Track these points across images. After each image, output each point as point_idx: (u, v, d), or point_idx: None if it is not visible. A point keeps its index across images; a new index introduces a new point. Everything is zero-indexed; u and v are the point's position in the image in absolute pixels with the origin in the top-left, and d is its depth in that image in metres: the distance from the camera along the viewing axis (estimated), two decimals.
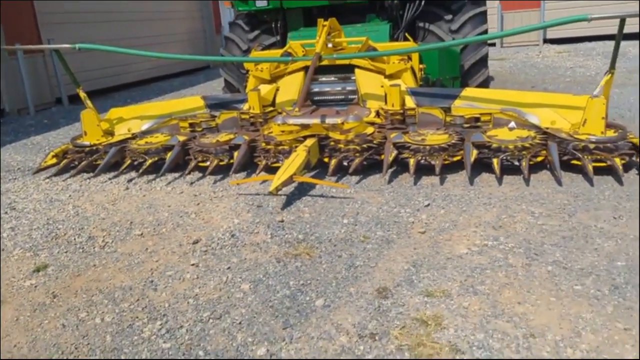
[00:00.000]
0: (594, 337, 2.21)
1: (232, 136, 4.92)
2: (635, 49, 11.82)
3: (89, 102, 5.30)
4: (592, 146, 4.05)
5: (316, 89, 5.36)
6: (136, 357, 2.30)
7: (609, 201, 3.59)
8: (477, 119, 4.67)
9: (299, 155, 4.25)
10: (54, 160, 5.21)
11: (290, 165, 4.10)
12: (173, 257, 3.23)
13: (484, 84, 5.57)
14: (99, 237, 3.59)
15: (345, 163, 4.48)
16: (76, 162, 5.12)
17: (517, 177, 4.13)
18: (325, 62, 5.03)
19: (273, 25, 6.09)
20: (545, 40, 14.73)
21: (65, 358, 2.35)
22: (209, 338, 2.39)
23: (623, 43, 13.20)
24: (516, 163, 4.16)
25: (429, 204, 3.76)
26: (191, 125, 5.30)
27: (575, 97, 4.47)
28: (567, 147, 4.14)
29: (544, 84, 8.58)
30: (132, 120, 5.47)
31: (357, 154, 4.48)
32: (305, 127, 4.69)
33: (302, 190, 4.19)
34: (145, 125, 5.40)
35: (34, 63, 9.25)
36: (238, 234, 3.48)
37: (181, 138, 5.04)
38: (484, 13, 5.62)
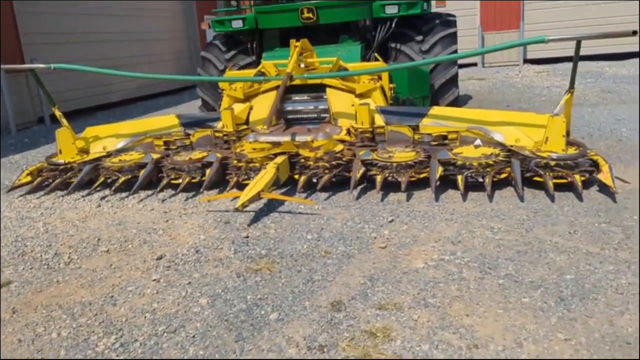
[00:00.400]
0: (534, 347, 2.28)
1: (205, 154, 4.99)
2: (611, 69, 12.09)
3: (64, 121, 5.36)
4: (552, 163, 4.15)
5: (289, 108, 5.46)
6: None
7: (566, 217, 3.68)
8: (444, 137, 4.78)
9: (267, 172, 4.32)
10: (29, 179, 5.24)
11: (258, 182, 4.17)
12: (136, 272, 3.26)
13: (454, 103, 5.69)
14: (65, 254, 3.62)
15: (314, 180, 4.56)
16: (50, 180, 5.16)
17: (481, 193, 4.22)
18: (297, 82, 5.13)
19: (249, 46, 6.21)
20: (526, 61, 15.02)
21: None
22: (162, 352, 2.43)
23: (601, 63, 13.36)
24: (480, 180, 4.26)
25: (392, 220, 3.84)
26: (166, 143, 5.37)
27: (538, 115, 4.59)
28: (529, 164, 4.25)
29: (520, 103, 8.75)
30: (107, 138, 5.53)
31: (326, 171, 4.55)
32: (276, 144, 4.77)
33: (271, 206, 4.25)
34: (120, 144, 5.46)
35: (16, 82, 9.29)
36: (202, 250, 3.52)
37: (155, 156, 5.10)
38: (454, 34, 5.77)
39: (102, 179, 5.02)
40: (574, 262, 3.01)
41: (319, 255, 3.33)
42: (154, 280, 3.13)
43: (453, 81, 5.68)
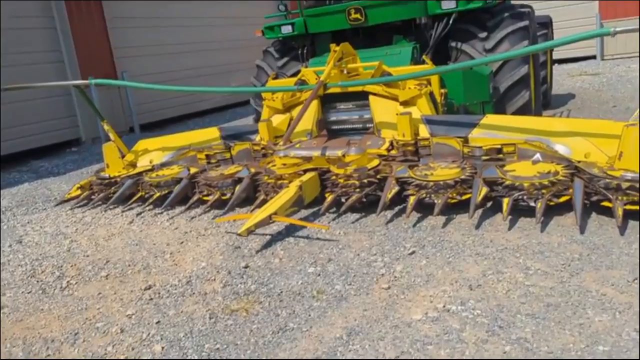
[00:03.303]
0: None
1: (238, 169, 4.75)
2: None
3: (111, 135, 5.42)
4: (625, 185, 3.32)
5: (333, 118, 5.04)
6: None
7: (631, 257, 2.88)
8: (499, 150, 4.07)
9: (286, 193, 3.97)
10: (78, 192, 5.36)
11: (273, 204, 3.82)
12: (116, 305, 3.07)
13: (524, 109, 4.88)
14: (67, 277, 3.54)
15: (343, 200, 4.11)
16: (96, 194, 5.23)
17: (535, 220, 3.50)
18: (336, 90, 4.70)
19: (300, 52, 5.87)
20: None
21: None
22: None
23: None
24: (532, 204, 3.54)
25: (413, 252, 3.29)
26: (207, 156, 5.20)
27: (615, 123, 3.73)
28: (597, 185, 3.45)
29: (629, 103, 7.51)
30: (155, 151, 5.50)
31: (357, 190, 4.09)
32: (307, 159, 4.40)
33: (290, 230, 3.87)
34: (165, 157, 5.40)
35: (109, 94, 9.81)
36: (194, 281, 3.25)
37: (192, 170, 4.96)
38: (526, 28, 4.95)
39: (140, 194, 4.98)
40: (618, 325, 2.29)
41: (310, 295, 2.90)
42: (127, 315, 2.91)
43: (523, 82, 4.86)
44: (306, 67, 5.61)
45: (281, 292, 2.97)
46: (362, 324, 2.55)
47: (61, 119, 8.96)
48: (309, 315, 2.68)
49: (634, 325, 2.27)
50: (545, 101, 7.89)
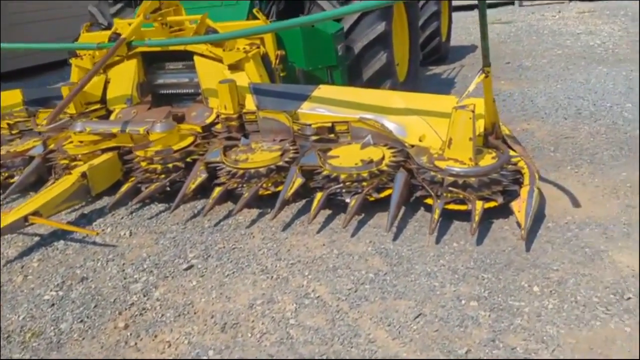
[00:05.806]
0: None
1: (36, 144, 3.91)
2: None
3: None
4: (448, 180, 2.76)
5: (160, 81, 4.20)
6: None
7: (430, 279, 2.34)
8: (331, 129, 3.41)
9: (60, 184, 3.20)
10: None
11: (34, 200, 3.04)
12: None
13: (383, 73, 4.22)
14: None
15: (143, 188, 3.38)
16: None
17: (357, 219, 2.91)
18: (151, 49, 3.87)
19: None
20: None
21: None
22: None
23: None
24: (347, 200, 2.94)
25: (191, 266, 2.64)
26: (9, 126, 4.30)
27: (452, 100, 3.11)
28: (422, 179, 2.88)
29: (524, 59, 7.00)
30: None
31: (162, 176, 3.37)
32: (108, 136, 3.61)
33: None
34: None
35: None
36: None
37: None
38: None
39: None
40: None
41: (20, 339, 2.21)
42: None
43: (380, 42, 4.18)
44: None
45: None
46: None
47: None
48: None
49: None
50: (438, 56, 7.29)
